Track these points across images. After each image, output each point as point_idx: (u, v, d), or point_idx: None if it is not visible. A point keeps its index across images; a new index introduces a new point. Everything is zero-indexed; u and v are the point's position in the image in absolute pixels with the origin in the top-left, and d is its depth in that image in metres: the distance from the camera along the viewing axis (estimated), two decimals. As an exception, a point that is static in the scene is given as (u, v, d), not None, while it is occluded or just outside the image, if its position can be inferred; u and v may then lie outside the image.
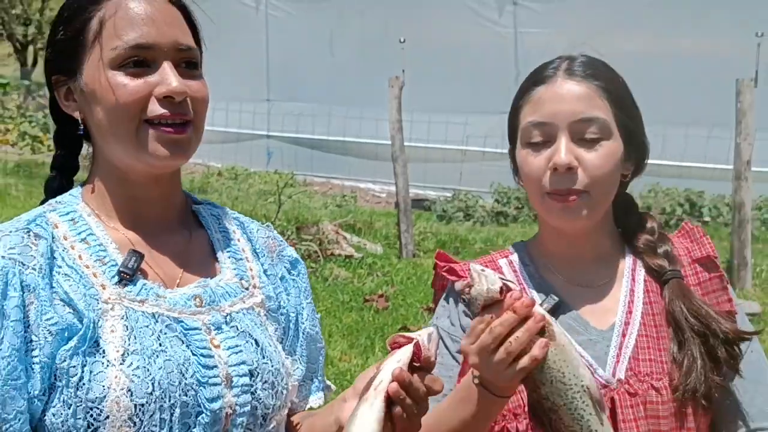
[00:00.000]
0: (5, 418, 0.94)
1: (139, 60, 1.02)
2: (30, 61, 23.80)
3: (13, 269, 0.97)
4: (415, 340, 0.99)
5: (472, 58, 8.65)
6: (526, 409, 1.15)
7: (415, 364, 0.97)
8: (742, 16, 7.38)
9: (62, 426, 0.96)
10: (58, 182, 1.13)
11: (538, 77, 1.21)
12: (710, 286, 1.22)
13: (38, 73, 21.73)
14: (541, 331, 1.00)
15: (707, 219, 7.40)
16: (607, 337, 1.19)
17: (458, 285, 1.21)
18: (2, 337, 0.95)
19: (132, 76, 1.01)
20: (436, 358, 0.99)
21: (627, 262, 1.25)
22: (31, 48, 23.84)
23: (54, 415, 0.96)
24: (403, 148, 6.48)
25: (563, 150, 1.15)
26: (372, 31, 9.25)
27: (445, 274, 1.26)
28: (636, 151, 1.23)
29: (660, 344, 1.18)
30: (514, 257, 1.29)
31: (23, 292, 0.97)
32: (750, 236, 5.65)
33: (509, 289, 1.01)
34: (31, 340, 0.96)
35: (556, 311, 1.17)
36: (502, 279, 1.02)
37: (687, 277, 1.23)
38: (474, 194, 8.14)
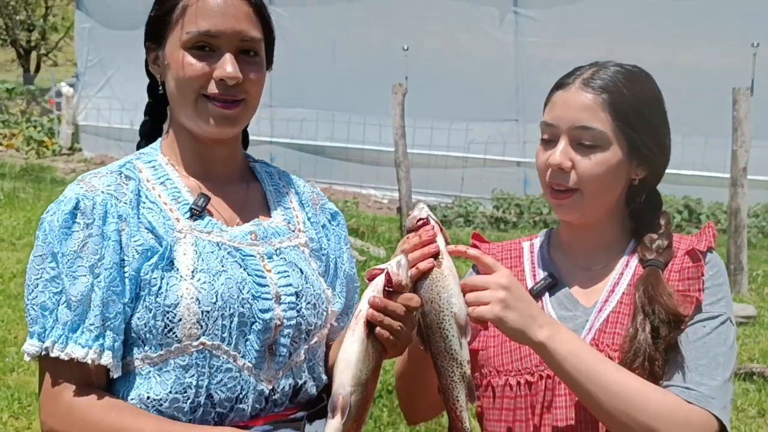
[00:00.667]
0: (107, 317, 1.16)
1: (206, 45, 1.22)
2: (33, 66, 23.94)
3: (110, 201, 1.20)
4: (385, 270, 1.16)
5: (474, 66, 8.79)
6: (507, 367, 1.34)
7: (388, 289, 1.15)
8: (738, 27, 7.52)
9: (145, 327, 1.17)
10: (149, 127, 1.36)
11: (561, 81, 1.36)
12: (687, 274, 1.33)
13: (41, 79, 21.86)
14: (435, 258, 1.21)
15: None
16: (589, 313, 1.34)
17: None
18: (104, 254, 1.16)
19: (198, 59, 1.22)
20: (408, 280, 1.17)
21: (627, 251, 1.38)
22: (34, 53, 23.99)
23: (138, 319, 1.17)
24: (406, 153, 6.62)
25: (558, 151, 1.31)
26: (375, 38, 9.40)
27: (473, 241, 1.48)
28: (643, 158, 1.34)
29: (628, 322, 1.31)
30: (536, 240, 1.46)
31: (118, 220, 1.19)
32: (746, 242, 5.77)
33: (427, 223, 1.22)
34: (123, 258, 1.17)
35: (552, 288, 1.36)
36: (429, 215, 1.23)
37: (674, 264, 1.35)
38: (474, 200, 8.26)
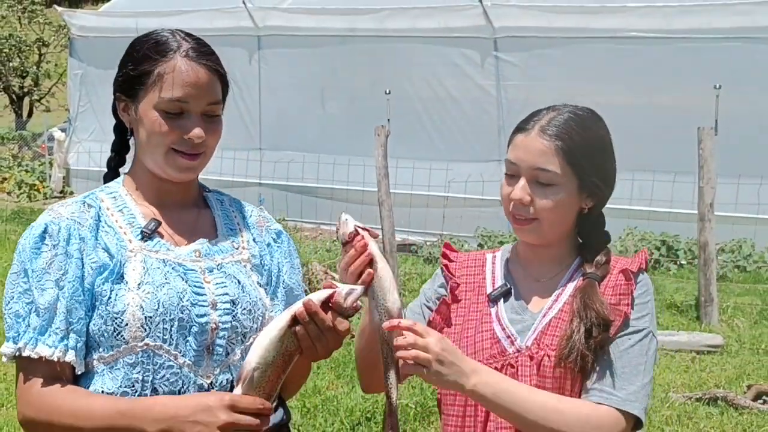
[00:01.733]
0: (71, 322, 1.36)
1: (177, 109, 1.43)
2: (26, 112, 24.20)
3: (74, 226, 1.41)
4: (335, 289, 1.36)
5: (456, 108, 9.07)
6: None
7: (330, 304, 1.35)
8: (702, 70, 7.84)
9: (98, 331, 1.38)
10: (116, 161, 1.57)
11: (522, 125, 1.57)
12: (619, 290, 1.54)
13: (33, 124, 22.10)
14: (371, 265, 1.42)
15: (683, 262, 7.72)
16: (535, 317, 1.56)
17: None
18: (68, 269, 1.38)
19: (170, 120, 1.43)
20: (350, 308, 1.37)
21: (573, 266, 1.59)
22: (26, 99, 24.28)
23: (94, 325, 1.38)
24: (389, 192, 6.83)
25: (519, 188, 1.53)
26: (360, 83, 9.68)
27: (441, 257, 1.70)
28: (591, 192, 1.55)
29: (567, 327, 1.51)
30: (498, 254, 1.68)
31: (80, 241, 1.40)
32: (715, 274, 5.97)
33: (357, 234, 1.43)
34: (83, 274, 1.38)
35: (506, 295, 1.59)
36: (357, 226, 1.43)
37: (609, 280, 1.56)
38: (461, 238, 8.45)
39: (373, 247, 1.43)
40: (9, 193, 12.42)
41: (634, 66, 8.17)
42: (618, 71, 8.27)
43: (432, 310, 1.64)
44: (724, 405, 4.27)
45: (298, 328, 1.35)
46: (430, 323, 1.60)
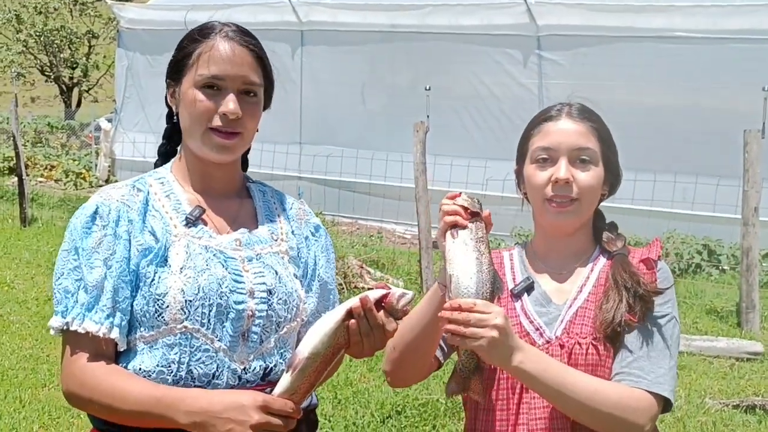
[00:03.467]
0: (117, 300, 1.41)
1: (214, 85, 1.47)
2: (74, 102, 24.78)
3: (123, 208, 1.46)
4: (389, 290, 1.39)
5: (495, 106, 9.03)
6: None
7: (382, 303, 1.38)
8: (750, 71, 7.66)
9: (141, 311, 1.43)
10: (166, 148, 1.62)
11: (546, 115, 1.62)
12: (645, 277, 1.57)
13: (82, 114, 22.62)
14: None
15: (725, 267, 7.56)
16: (561, 309, 1.58)
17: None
18: (116, 250, 1.42)
19: (207, 96, 1.47)
20: (401, 310, 1.39)
21: (593, 257, 1.63)
22: (75, 90, 24.86)
23: (136, 305, 1.43)
24: (426, 188, 6.83)
25: (563, 168, 1.56)
26: (401, 80, 9.68)
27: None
28: (612, 177, 1.63)
29: (594, 316, 1.54)
30: (515, 251, 1.70)
31: (128, 224, 1.45)
32: (757, 280, 5.85)
33: (476, 213, 1.45)
34: (129, 255, 1.43)
35: (529, 290, 1.61)
36: (470, 206, 1.45)
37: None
38: (498, 237, 8.41)
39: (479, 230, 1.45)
40: (57, 181, 12.75)
41: (679, 66, 8.02)
42: (662, 71, 8.13)
43: None
44: (762, 413, 4.18)
45: (351, 322, 1.38)
46: None
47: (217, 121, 1.46)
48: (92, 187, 12.39)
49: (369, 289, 1.42)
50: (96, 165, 12.84)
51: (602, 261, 1.61)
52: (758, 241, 5.88)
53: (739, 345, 5.23)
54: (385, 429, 3.88)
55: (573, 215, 1.57)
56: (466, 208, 1.45)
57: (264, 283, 1.48)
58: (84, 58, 24.00)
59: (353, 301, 1.38)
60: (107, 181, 12.53)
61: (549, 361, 1.46)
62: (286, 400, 1.35)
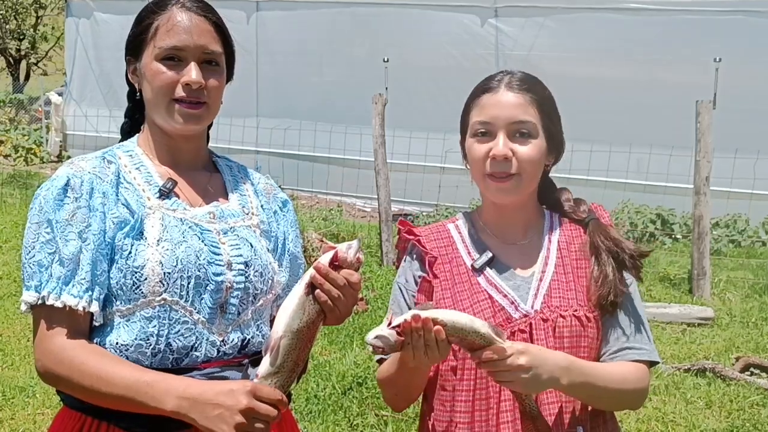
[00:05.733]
0: (95, 274, 1.38)
1: (174, 57, 1.46)
2: (23, 75, 24.02)
3: (96, 180, 1.43)
4: (336, 248, 1.39)
5: (453, 78, 9.01)
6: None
7: (335, 263, 1.37)
8: (703, 43, 7.79)
9: (117, 285, 1.40)
10: (129, 127, 1.60)
11: (485, 86, 1.57)
12: None
13: (31, 87, 21.94)
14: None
15: (678, 236, 7.74)
16: (528, 281, 1.56)
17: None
18: (91, 222, 1.39)
19: (168, 68, 1.45)
20: (355, 260, 1.38)
21: (546, 227, 1.62)
22: (23, 63, 24.08)
23: (112, 278, 1.40)
24: (386, 161, 6.82)
25: (501, 143, 1.51)
26: (358, 51, 9.60)
27: (405, 235, 1.64)
28: (555, 147, 1.59)
29: (570, 285, 1.54)
30: (460, 222, 1.65)
31: (102, 196, 1.42)
32: (708, 248, 6.00)
33: (399, 326, 1.35)
34: (105, 228, 1.40)
35: (490, 263, 1.56)
36: (390, 327, 1.36)
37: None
38: (457, 208, 8.46)
39: (423, 312, 1.36)
40: (6, 157, 12.39)
41: (633, 38, 8.12)
42: (617, 43, 8.22)
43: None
44: (712, 376, 4.33)
45: (317, 293, 1.37)
46: (416, 304, 1.55)
47: (180, 92, 1.45)
48: (43, 162, 12.07)
49: (317, 257, 1.41)
50: (47, 140, 12.50)
51: (558, 230, 1.60)
52: (709, 209, 6.02)
53: (690, 311, 5.38)
54: (347, 400, 3.90)
55: (514, 190, 1.53)
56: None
57: (241, 255, 1.48)
58: (31, 30, 23.24)
59: (310, 273, 1.38)
60: (59, 157, 12.23)
61: (581, 364, 1.45)
62: (275, 389, 1.34)
